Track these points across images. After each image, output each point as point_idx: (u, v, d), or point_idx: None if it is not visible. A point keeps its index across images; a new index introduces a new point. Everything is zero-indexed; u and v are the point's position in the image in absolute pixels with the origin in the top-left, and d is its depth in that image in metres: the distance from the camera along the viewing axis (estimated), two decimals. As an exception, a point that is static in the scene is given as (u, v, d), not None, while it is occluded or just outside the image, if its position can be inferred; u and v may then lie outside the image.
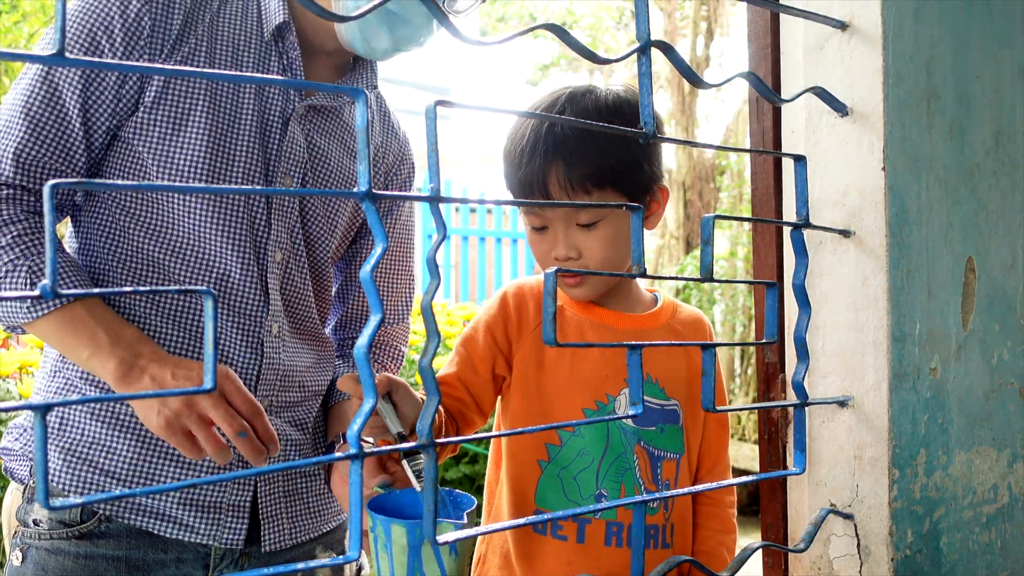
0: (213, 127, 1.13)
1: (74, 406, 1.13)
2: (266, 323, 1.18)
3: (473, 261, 8.07)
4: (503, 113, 0.59)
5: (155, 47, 1.12)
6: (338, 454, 0.51)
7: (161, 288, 0.50)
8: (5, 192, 1.08)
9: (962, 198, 0.84)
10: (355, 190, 0.51)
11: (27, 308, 1.05)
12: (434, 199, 0.52)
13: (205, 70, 0.59)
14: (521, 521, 0.60)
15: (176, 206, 1.13)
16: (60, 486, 1.13)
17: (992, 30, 0.87)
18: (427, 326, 0.52)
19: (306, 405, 1.26)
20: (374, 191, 0.51)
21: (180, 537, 1.14)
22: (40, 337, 1.11)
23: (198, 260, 1.14)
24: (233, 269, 1.15)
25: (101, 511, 1.12)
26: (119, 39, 1.10)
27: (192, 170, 1.12)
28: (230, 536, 1.16)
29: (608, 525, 1.16)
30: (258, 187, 1.15)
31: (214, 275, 1.15)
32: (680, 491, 0.69)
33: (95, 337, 1.05)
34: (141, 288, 0.48)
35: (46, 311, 1.05)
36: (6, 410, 0.40)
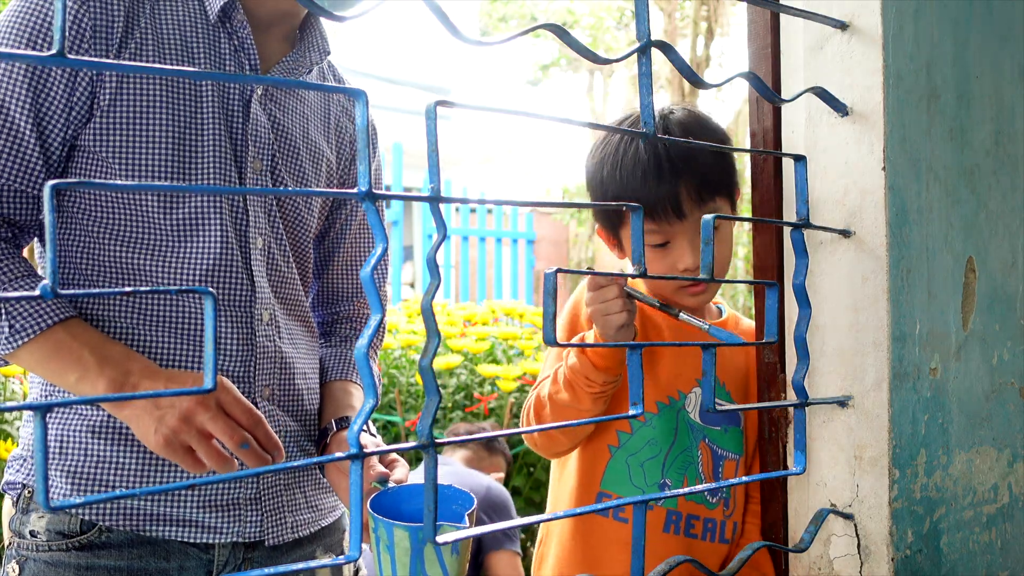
0: (175, 120, 1.11)
1: (73, 428, 1.12)
2: (256, 311, 1.17)
3: (473, 261, 8.07)
4: (503, 113, 0.59)
5: (100, 47, 1.08)
6: (338, 453, 0.51)
7: (161, 288, 0.50)
8: None
9: (962, 198, 0.84)
10: (355, 190, 0.51)
11: (6, 338, 1.02)
12: (434, 199, 0.52)
13: (211, 72, 0.59)
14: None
15: (152, 207, 1.11)
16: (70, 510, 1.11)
17: (992, 30, 0.87)
18: (427, 326, 0.52)
19: (308, 394, 1.26)
20: (374, 191, 0.51)
21: (205, 540, 1.13)
22: (25, 367, 1.08)
23: (180, 258, 1.13)
24: (217, 261, 1.14)
25: (101, 521, 1.11)
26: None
27: (160, 166, 1.10)
28: (251, 529, 1.16)
29: (668, 513, 1.24)
30: (233, 173, 1.15)
31: (199, 271, 1.13)
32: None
33: (81, 360, 1.02)
34: (141, 288, 0.48)
35: (26, 339, 1.02)
36: (6, 410, 0.40)
